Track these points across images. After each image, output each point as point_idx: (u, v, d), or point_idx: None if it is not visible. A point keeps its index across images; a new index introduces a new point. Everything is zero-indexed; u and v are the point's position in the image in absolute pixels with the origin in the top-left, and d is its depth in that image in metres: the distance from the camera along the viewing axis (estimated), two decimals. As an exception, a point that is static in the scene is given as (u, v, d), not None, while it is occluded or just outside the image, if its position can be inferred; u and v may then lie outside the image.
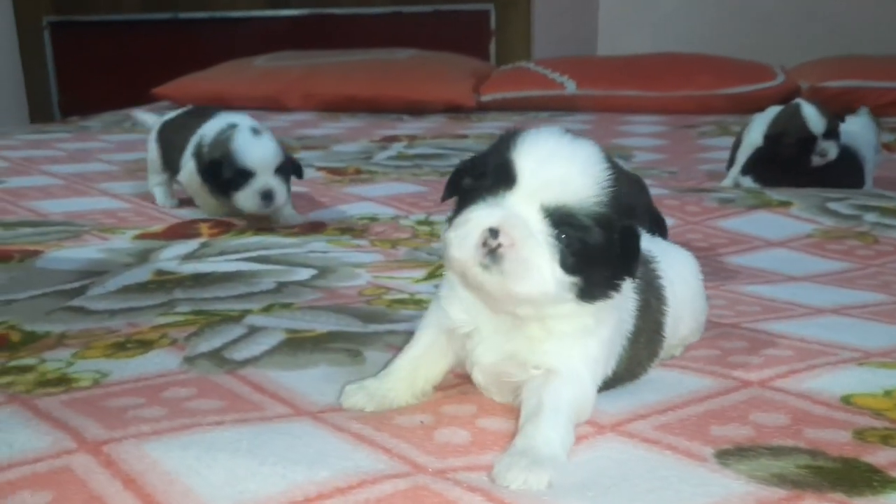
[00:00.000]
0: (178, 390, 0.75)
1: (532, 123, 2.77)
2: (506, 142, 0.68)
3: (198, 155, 1.49)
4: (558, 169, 0.66)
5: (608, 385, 0.73)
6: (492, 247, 0.63)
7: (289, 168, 1.49)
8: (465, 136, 2.49)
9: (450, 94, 3.06)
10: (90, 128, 2.68)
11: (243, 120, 1.52)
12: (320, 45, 3.50)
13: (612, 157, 0.70)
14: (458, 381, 0.77)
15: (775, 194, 1.58)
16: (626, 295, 0.72)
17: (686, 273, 0.86)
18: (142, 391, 0.75)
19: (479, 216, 0.65)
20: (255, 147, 1.44)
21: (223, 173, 1.43)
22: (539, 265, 0.64)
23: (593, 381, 0.69)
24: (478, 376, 0.73)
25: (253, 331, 0.91)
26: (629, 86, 2.98)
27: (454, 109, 3.06)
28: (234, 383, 0.77)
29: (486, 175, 0.67)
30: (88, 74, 3.96)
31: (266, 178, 1.43)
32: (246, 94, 3.11)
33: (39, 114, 3.96)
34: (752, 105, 2.46)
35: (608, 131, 2.61)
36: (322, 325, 0.94)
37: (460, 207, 0.69)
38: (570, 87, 3.02)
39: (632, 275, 0.68)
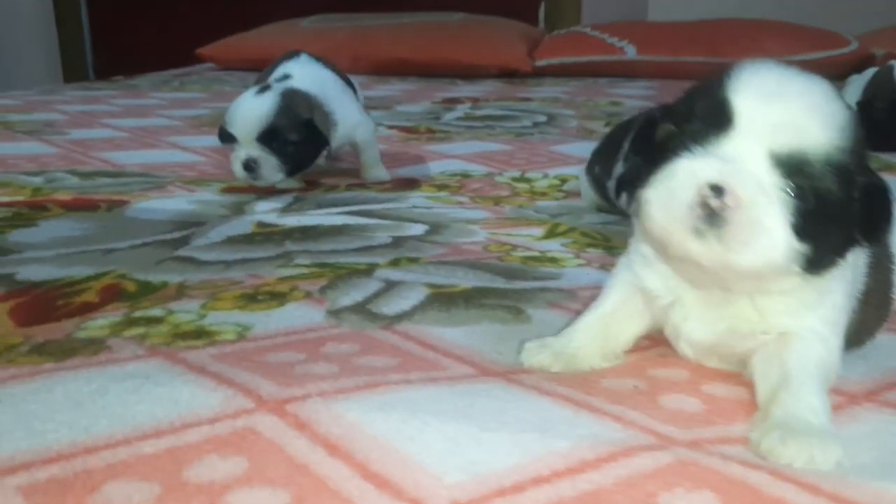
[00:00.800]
0: (337, 345, 0.66)
1: (592, 89, 2.66)
2: (717, 78, 0.55)
3: None
4: (790, 107, 0.53)
5: None
6: (713, 208, 0.51)
7: (286, 136, 1.21)
8: (529, 100, 2.39)
9: (504, 59, 2.94)
10: (138, 86, 2.59)
11: (299, 69, 1.35)
12: (365, 8, 3.38)
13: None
14: (648, 343, 0.67)
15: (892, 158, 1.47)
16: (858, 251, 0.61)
17: None
18: (297, 346, 0.66)
19: (693, 168, 0.52)
20: (239, 109, 1.22)
21: (221, 138, 1.26)
22: (771, 230, 0.51)
23: (837, 341, 0.59)
24: (686, 349, 0.63)
25: (391, 285, 0.82)
26: (693, 52, 2.85)
27: (508, 74, 2.95)
28: (396, 339, 0.68)
29: (692, 119, 0.55)
30: (123, 34, 3.86)
31: (247, 147, 1.21)
32: (292, 55, 3.00)
33: (73, 75, 3.85)
34: (825, 73, 2.33)
35: (674, 97, 2.50)
36: (462, 280, 0.84)
37: (656, 161, 0.55)
38: (631, 52, 2.90)
39: (878, 240, 0.56)
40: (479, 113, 2.14)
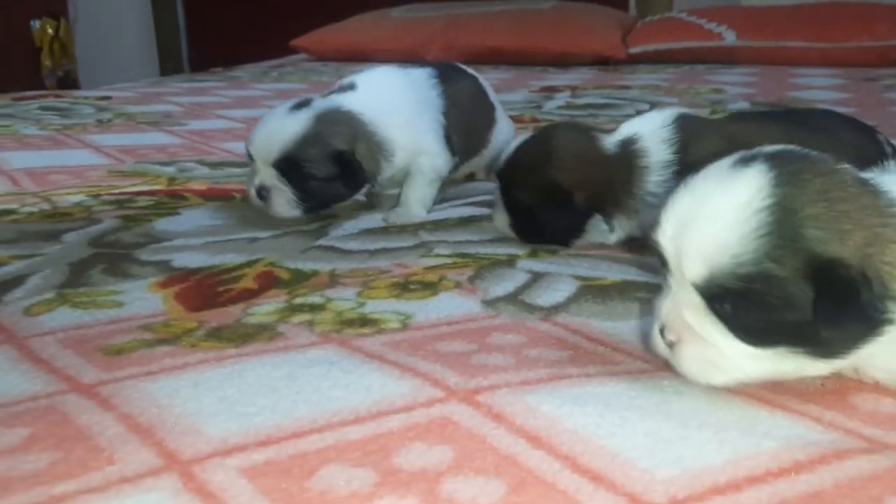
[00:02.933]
0: (503, 336, 0.66)
1: (691, 76, 2.59)
2: None
3: None
4: (695, 234, 0.52)
5: None
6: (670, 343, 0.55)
7: (309, 170, 0.99)
8: (627, 87, 2.34)
9: (598, 46, 2.90)
10: (239, 77, 2.64)
11: (374, 78, 1.11)
12: (452, -3, 3.38)
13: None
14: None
15: None
16: None
17: None
18: (463, 335, 0.66)
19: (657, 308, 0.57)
20: (263, 126, 1.02)
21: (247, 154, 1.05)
22: (718, 357, 0.53)
23: None
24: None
25: (537, 276, 0.81)
26: (797, 36, 2.76)
27: (602, 62, 2.90)
28: (560, 332, 0.67)
29: None
30: (217, 27, 3.95)
31: (263, 172, 1.01)
32: (384, 46, 3.02)
33: (169, 67, 3.97)
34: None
35: (779, 84, 2.42)
36: (607, 273, 0.83)
37: None
38: (730, 37, 2.82)
39: (836, 330, 0.51)
40: (579, 101, 2.12)
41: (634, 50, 2.90)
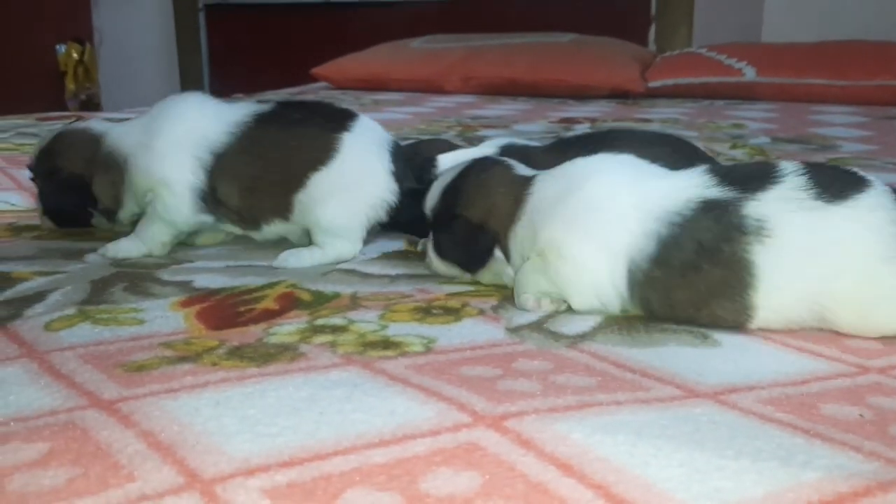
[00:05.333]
0: (529, 362, 0.65)
1: (711, 111, 2.59)
2: None
3: None
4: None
5: None
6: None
7: (41, 177, 1.02)
8: (648, 121, 2.34)
9: (617, 79, 2.90)
10: (259, 104, 2.66)
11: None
12: (472, 29, 3.40)
13: None
14: (857, 370, 0.64)
15: None
16: None
17: None
18: (488, 360, 0.65)
19: None
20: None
21: None
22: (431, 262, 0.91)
23: None
24: None
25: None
26: (817, 73, 2.75)
27: (621, 95, 2.91)
28: (587, 359, 0.66)
29: None
30: (239, 56, 3.99)
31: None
32: (404, 76, 3.04)
33: (190, 94, 4.00)
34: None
35: (800, 121, 2.41)
36: (632, 301, 0.82)
37: None
38: (750, 73, 2.82)
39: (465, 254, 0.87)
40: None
41: (653, 84, 2.91)
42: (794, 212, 0.71)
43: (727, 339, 0.71)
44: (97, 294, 0.81)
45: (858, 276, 0.69)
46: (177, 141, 0.95)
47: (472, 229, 0.84)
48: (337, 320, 0.74)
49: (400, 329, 0.72)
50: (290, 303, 0.79)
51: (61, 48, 3.86)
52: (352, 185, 0.94)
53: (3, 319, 0.74)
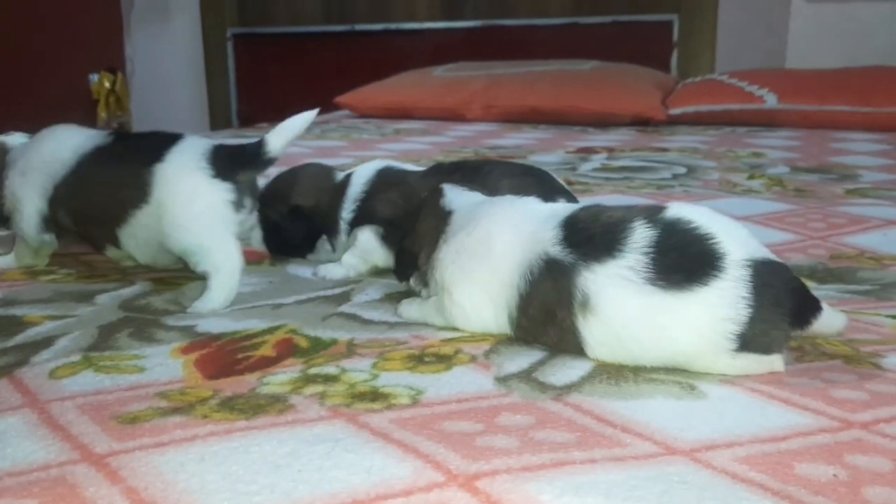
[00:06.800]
0: (511, 416, 0.66)
1: (731, 139, 2.59)
2: None
3: None
4: None
5: None
6: None
7: None
8: (665, 150, 2.35)
9: (638, 107, 2.91)
10: (282, 134, 2.70)
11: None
12: (495, 57, 3.44)
13: None
14: (839, 425, 0.64)
15: None
16: None
17: None
18: (471, 414, 0.66)
19: None
20: None
21: None
22: None
23: None
24: None
25: (553, 354, 0.81)
26: (840, 100, 2.74)
27: (642, 122, 2.92)
28: (570, 413, 0.67)
29: None
30: (266, 84, 4.07)
31: None
32: (426, 104, 3.08)
33: (219, 122, 4.09)
34: None
35: (821, 149, 2.40)
36: (625, 348, 0.82)
37: None
38: (771, 100, 2.81)
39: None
40: (615, 164, 2.12)
41: (674, 111, 2.91)
42: (622, 291, 0.72)
43: (714, 391, 0.71)
44: (103, 339, 0.84)
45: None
46: (32, 167, 1.06)
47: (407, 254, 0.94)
48: (330, 369, 0.76)
49: (390, 379, 0.74)
50: (287, 349, 0.81)
51: (94, 77, 3.96)
52: (178, 212, 0.99)
53: (11, 366, 0.77)
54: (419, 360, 0.79)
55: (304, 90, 3.85)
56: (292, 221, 1.11)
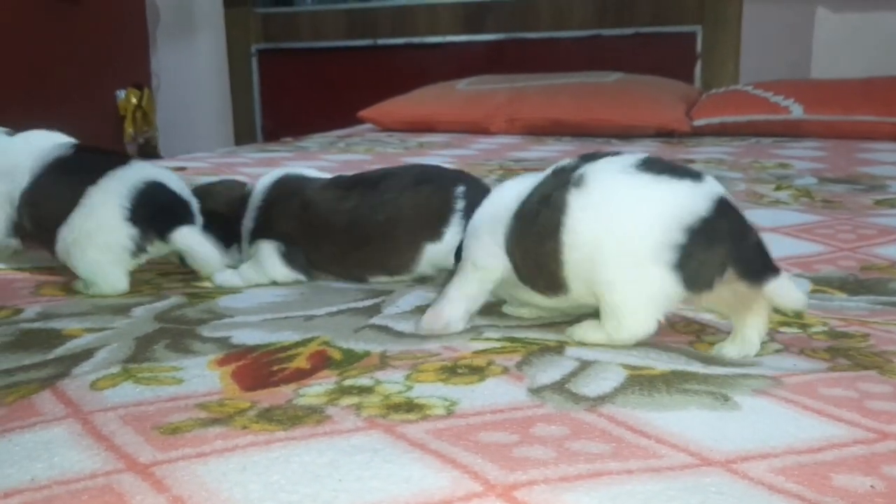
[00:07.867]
0: (546, 427, 0.66)
1: (756, 150, 2.58)
2: None
3: None
4: None
5: None
6: None
7: None
8: (691, 161, 2.34)
9: (662, 119, 2.91)
10: (308, 148, 2.74)
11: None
12: (517, 70, 3.45)
13: None
14: (876, 436, 0.64)
15: None
16: None
17: None
18: (506, 425, 0.67)
19: None
20: None
21: None
22: None
23: None
24: None
25: (585, 364, 0.82)
26: (866, 110, 2.72)
27: (666, 134, 2.92)
28: (605, 424, 0.67)
29: None
30: (289, 99, 4.11)
31: None
32: (449, 117, 3.10)
33: (244, 136, 4.13)
34: None
35: (848, 159, 2.38)
36: (657, 362, 0.83)
37: None
38: (797, 111, 2.80)
39: None
40: (640, 176, 2.12)
41: (699, 122, 2.90)
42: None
43: (747, 402, 0.72)
44: (141, 351, 0.86)
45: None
46: (3, 171, 1.12)
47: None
48: (364, 381, 0.77)
49: (424, 390, 0.75)
50: (321, 362, 0.83)
51: (121, 93, 4.02)
52: (83, 237, 1.06)
53: (53, 378, 0.79)
54: (452, 371, 0.80)
55: (328, 104, 3.89)
56: (207, 226, 1.14)
